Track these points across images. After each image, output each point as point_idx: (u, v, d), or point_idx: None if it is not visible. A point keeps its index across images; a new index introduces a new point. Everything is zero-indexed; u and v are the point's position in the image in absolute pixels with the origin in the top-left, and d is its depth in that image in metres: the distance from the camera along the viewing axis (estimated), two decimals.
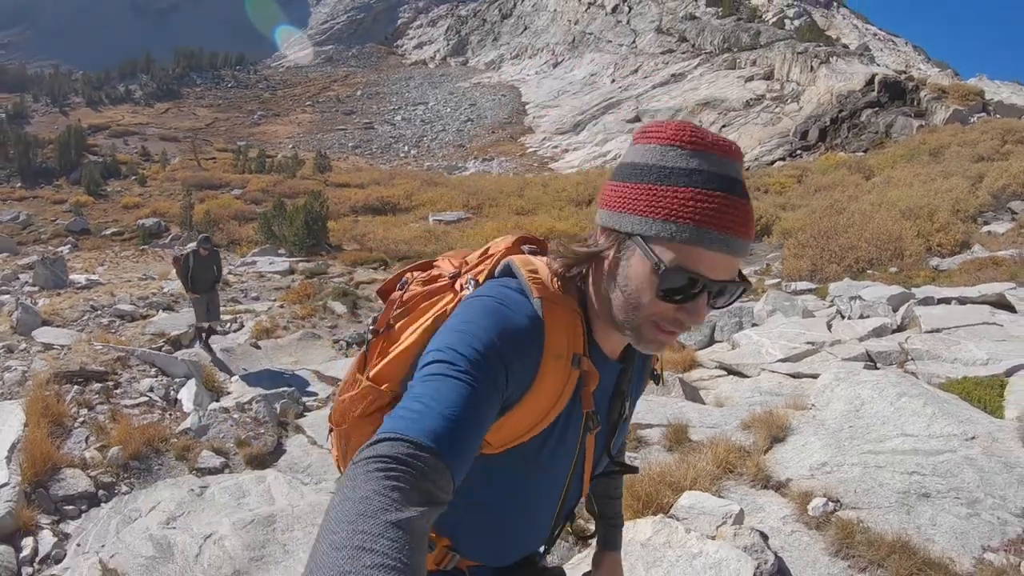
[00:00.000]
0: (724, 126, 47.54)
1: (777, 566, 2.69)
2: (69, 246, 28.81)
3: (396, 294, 1.21)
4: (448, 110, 79.72)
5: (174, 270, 9.84)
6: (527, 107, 74.56)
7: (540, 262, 1.06)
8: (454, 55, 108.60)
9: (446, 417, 0.80)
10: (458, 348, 0.88)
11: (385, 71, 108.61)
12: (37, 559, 3.58)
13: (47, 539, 3.73)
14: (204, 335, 9.42)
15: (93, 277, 16.73)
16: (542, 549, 1.28)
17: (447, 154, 64.68)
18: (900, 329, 7.62)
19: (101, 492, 4.36)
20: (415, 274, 1.23)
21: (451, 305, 1.08)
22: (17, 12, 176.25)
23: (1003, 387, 4.61)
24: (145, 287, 14.34)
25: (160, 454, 5.07)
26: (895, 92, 38.48)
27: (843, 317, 8.88)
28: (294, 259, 19.02)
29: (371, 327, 1.22)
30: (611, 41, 78.66)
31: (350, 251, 20.96)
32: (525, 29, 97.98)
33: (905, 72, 45.01)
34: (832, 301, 9.62)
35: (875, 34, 72.33)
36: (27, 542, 3.66)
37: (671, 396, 5.50)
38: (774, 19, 70.97)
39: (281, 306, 12.45)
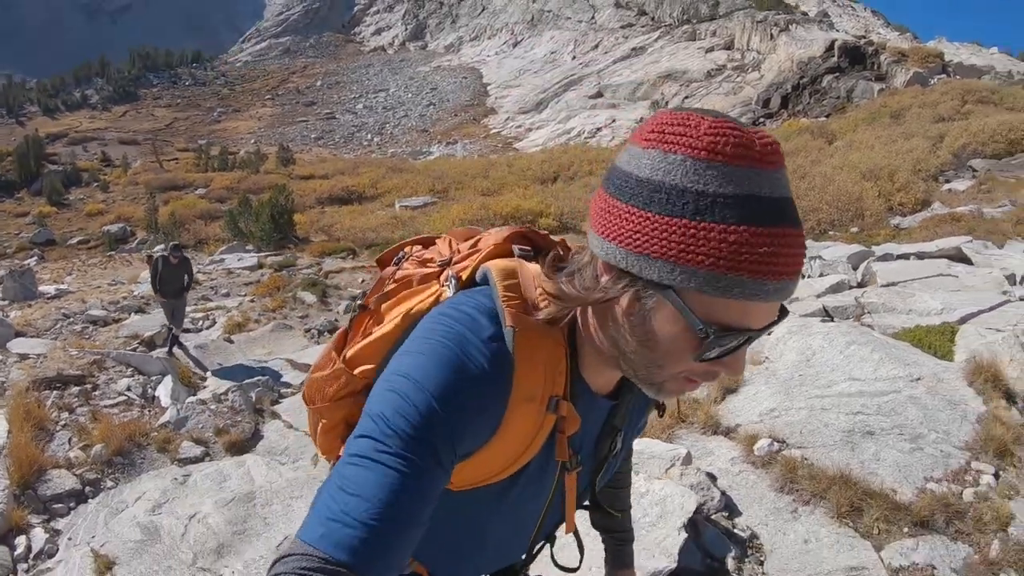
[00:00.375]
0: (686, 97, 47.99)
1: (724, 503, 2.88)
2: (36, 258, 28.44)
3: (390, 269, 1.12)
4: (409, 96, 79.35)
5: (149, 270, 9.79)
6: (488, 88, 74.45)
7: (527, 272, 0.90)
8: (413, 40, 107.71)
9: (368, 524, 0.71)
10: (393, 422, 0.77)
11: (344, 60, 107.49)
12: (31, 556, 3.70)
13: (39, 536, 3.85)
14: (170, 342, 9.42)
15: (62, 287, 16.56)
16: (524, 557, 1.18)
17: (411, 140, 64.52)
18: (860, 286, 7.83)
19: (88, 489, 4.48)
20: (413, 249, 1.14)
21: (430, 301, 0.96)
22: None
23: (954, 333, 4.80)
24: (115, 292, 14.27)
25: (142, 448, 5.19)
26: (855, 57, 39.16)
27: (803, 277, 9.20)
28: (262, 254, 19.00)
29: (359, 301, 1.12)
30: (570, 18, 78.70)
31: (318, 242, 20.96)
32: (483, 10, 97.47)
33: (865, 37, 45.76)
34: None
35: (834, 0, 73.15)
36: (20, 540, 3.79)
37: None
38: None
39: (252, 300, 12.52)
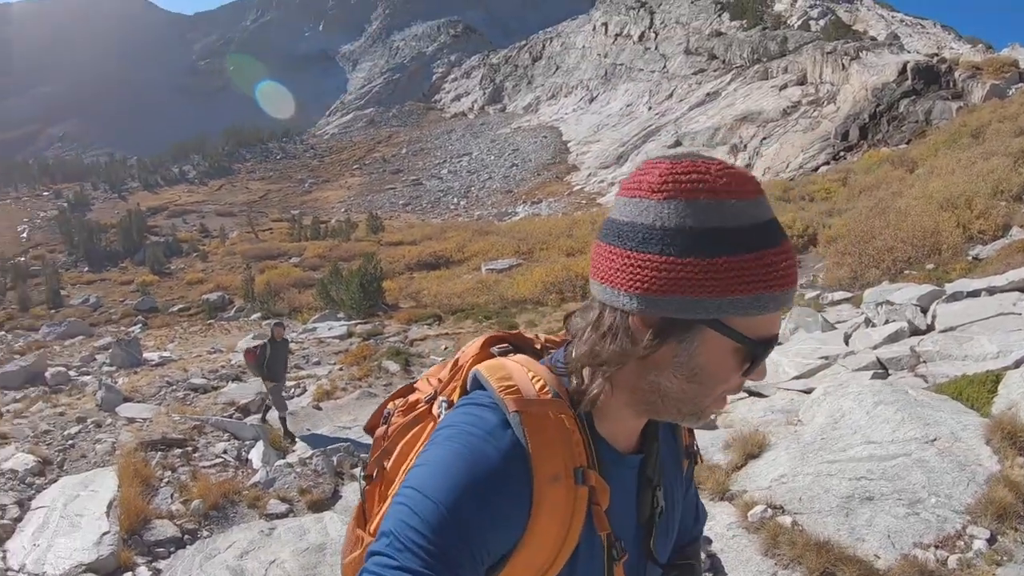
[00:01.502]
0: (764, 138, 47.48)
1: (710, 564, 3.13)
2: (139, 325, 30.48)
3: (380, 430, 1.10)
4: (492, 158, 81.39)
5: (247, 361, 9.92)
6: (569, 145, 75.71)
7: (514, 364, 0.92)
8: (491, 103, 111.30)
9: None
10: (403, 536, 0.76)
11: (427, 127, 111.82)
12: None
13: (143, 573, 4.59)
14: (263, 410, 10.00)
15: (165, 354, 18.05)
16: None
17: (496, 201, 65.97)
18: (929, 330, 7.54)
19: (186, 537, 5.22)
20: (396, 403, 1.11)
21: (428, 436, 0.94)
22: (71, 105, 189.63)
23: (997, 382, 4.68)
24: (214, 360, 15.49)
25: (235, 504, 5.91)
26: (929, 77, 37.86)
27: (870, 325, 9.04)
28: (352, 322, 19.69)
29: (362, 474, 1.10)
30: (642, 69, 79.67)
31: (406, 309, 21.54)
32: (557, 69, 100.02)
33: (937, 55, 44.27)
34: (863, 310, 9.76)
35: (902, 20, 71.16)
36: None
37: None
38: (799, 22, 71.02)
39: (340, 369, 13.25)
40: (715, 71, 69.29)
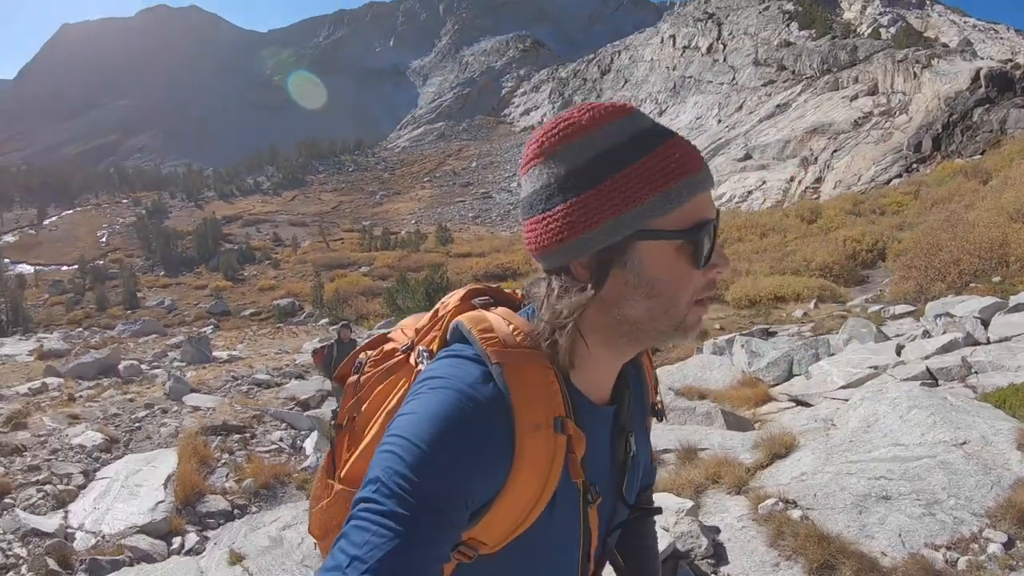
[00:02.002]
0: (835, 150, 46.11)
1: (713, 551, 3.20)
2: (211, 327, 31.79)
3: (352, 379, 1.10)
4: None
5: (314, 361, 10.34)
6: None
7: (495, 316, 0.94)
8: None
9: (381, 566, 0.71)
10: (390, 482, 0.77)
11: (496, 140, 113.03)
12: (183, 551, 4.80)
13: (192, 538, 5.00)
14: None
15: (234, 353, 18.92)
16: None
17: None
18: (990, 342, 7.34)
19: (236, 511, 5.61)
20: (368, 353, 1.11)
21: (407, 387, 0.97)
22: (150, 118, 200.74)
23: None
24: (279, 360, 16.16)
25: (284, 485, 6.31)
26: (1004, 84, 36.06)
27: (928, 337, 8.79)
28: None
29: (332, 421, 1.10)
30: (711, 81, 78.57)
31: None
32: (625, 82, 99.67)
33: (1011, 60, 42.15)
34: (922, 323, 9.51)
35: (974, 26, 67.96)
36: (177, 540, 4.96)
37: (713, 427, 5.94)
38: (869, 30, 68.84)
39: None
40: (784, 82, 67.76)
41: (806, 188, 43.38)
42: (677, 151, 0.83)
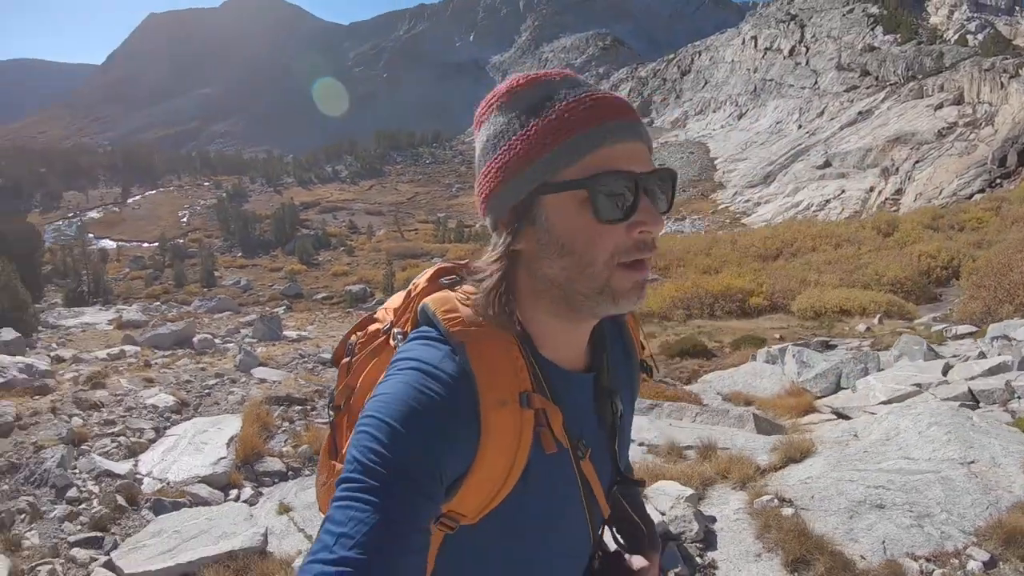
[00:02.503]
0: (917, 161, 44.23)
1: (702, 536, 3.44)
2: (284, 307, 33.10)
3: (345, 361, 1.13)
4: None
5: None
6: (716, 162, 73.80)
7: (457, 295, 0.96)
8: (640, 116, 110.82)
9: (351, 560, 0.73)
10: (364, 459, 0.80)
11: None
12: (239, 501, 5.31)
13: (247, 492, 5.50)
14: None
15: (303, 333, 19.78)
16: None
17: None
18: None
19: (290, 472, 6.08)
20: (358, 335, 1.14)
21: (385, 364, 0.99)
22: (233, 105, 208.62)
23: None
24: None
25: None
26: None
27: (982, 358, 8.61)
28: None
29: (329, 404, 1.13)
30: (792, 85, 76.12)
31: None
32: (705, 83, 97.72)
33: None
34: (979, 344, 9.31)
35: None
36: (233, 492, 5.50)
37: (743, 430, 6.09)
38: (955, 36, 65.38)
39: None
40: (867, 88, 65.16)
41: (885, 199, 41.81)
42: (588, 102, 0.84)
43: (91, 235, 67.24)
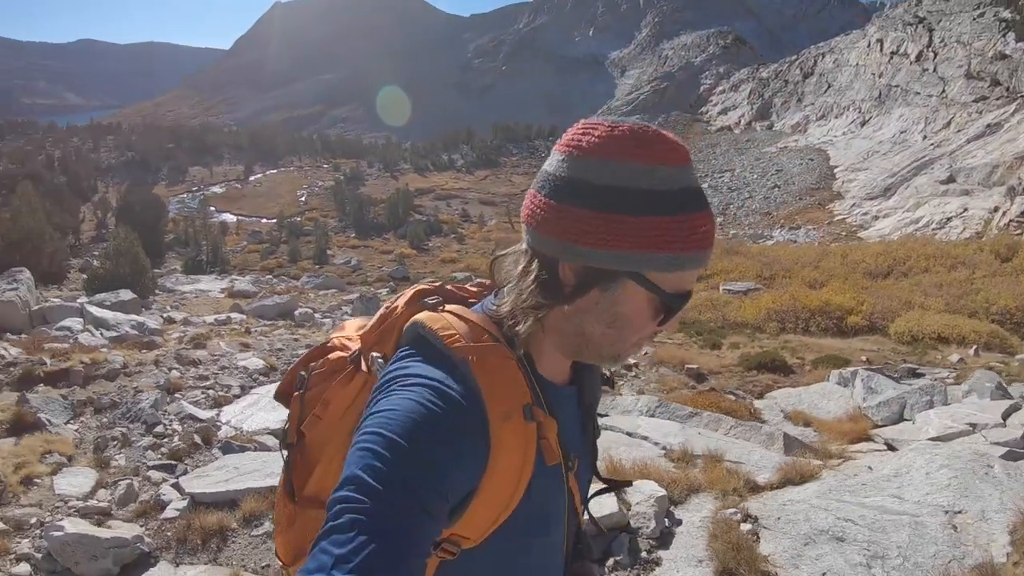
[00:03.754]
0: None
1: (659, 534, 3.68)
2: (388, 289, 33.69)
3: (296, 397, 1.10)
4: (755, 177, 77.73)
5: None
6: (835, 171, 70.15)
7: (450, 314, 0.96)
8: (759, 119, 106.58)
9: (364, 562, 0.70)
10: (368, 476, 0.75)
11: (691, 139, 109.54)
12: None
13: None
14: None
15: None
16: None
17: (753, 222, 63.17)
18: None
19: None
20: (311, 366, 1.11)
21: (363, 393, 0.98)
22: (352, 92, 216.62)
23: None
24: None
25: None
26: None
27: None
28: None
29: (282, 443, 1.10)
30: (919, 93, 70.75)
31: None
32: (828, 87, 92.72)
33: None
34: None
35: None
36: None
37: (771, 449, 6.16)
38: None
39: None
40: (998, 99, 59.63)
41: (1010, 221, 38.52)
42: (704, 225, 0.88)
43: (212, 208, 71.16)
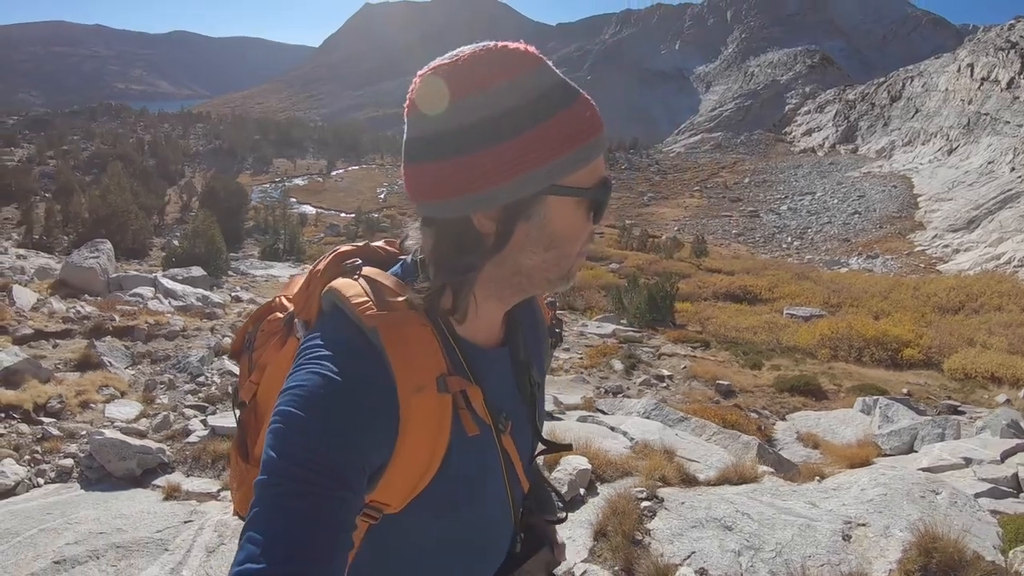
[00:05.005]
0: None
1: (569, 498, 4.15)
2: None
3: (245, 356, 1.09)
4: (836, 201, 75.53)
5: None
6: (919, 200, 67.40)
7: (366, 279, 0.92)
8: (843, 142, 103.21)
9: (278, 565, 0.69)
10: (280, 455, 0.75)
11: (773, 159, 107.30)
12: None
13: None
14: None
15: None
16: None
17: (830, 248, 61.39)
18: None
19: None
20: (256, 327, 1.10)
21: (292, 356, 0.92)
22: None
23: None
24: None
25: None
26: None
27: None
28: (622, 326, 19.99)
29: (234, 402, 1.10)
30: (1008, 122, 66.54)
31: (686, 330, 21.16)
32: (916, 112, 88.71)
33: None
34: None
35: None
36: None
37: (745, 457, 6.11)
38: None
39: (580, 357, 14.00)
40: None
41: None
42: (587, 110, 0.86)
43: (293, 199, 73.57)
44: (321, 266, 1.00)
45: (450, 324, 0.93)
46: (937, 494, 4.42)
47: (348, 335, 0.86)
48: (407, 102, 0.88)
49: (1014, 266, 41.98)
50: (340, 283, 0.92)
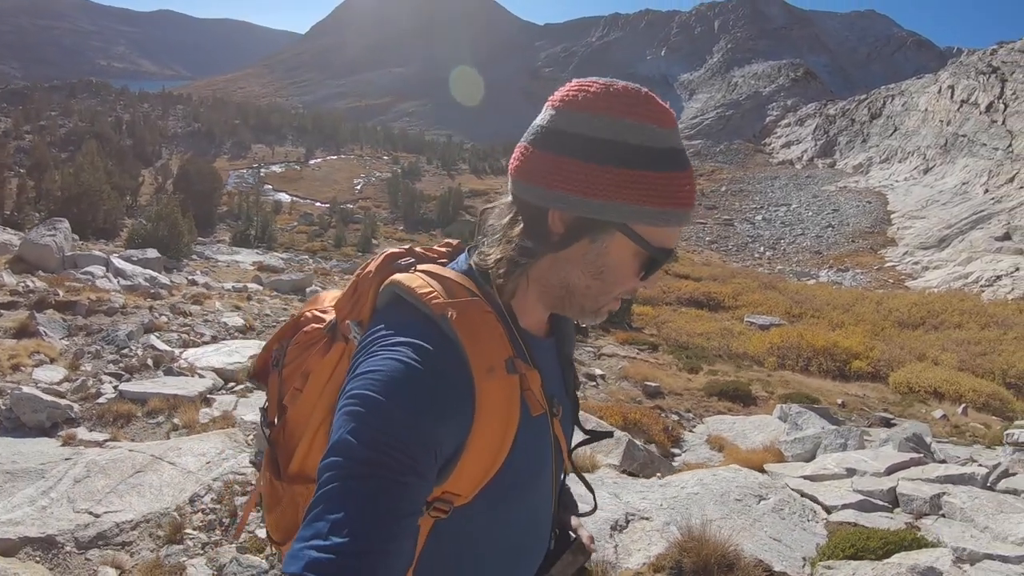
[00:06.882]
0: None
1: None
2: None
3: (274, 374, 1.10)
4: (810, 214, 76.21)
5: None
6: (892, 216, 68.39)
7: (425, 274, 0.95)
8: (821, 156, 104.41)
9: (346, 547, 0.70)
10: (357, 439, 0.76)
11: (751, 169, 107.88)
12: (221, 392, 6.89)
13: (240, 389, 6.97)
14: None
15: None
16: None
17: (802, 260, 61.92)
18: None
19: None
20: (283, 343, 1.12)
21: (342, 362, 0.98)
22: (421, 88, 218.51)
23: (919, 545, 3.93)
24: None
25: None
26: None
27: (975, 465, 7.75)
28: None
29: (263, 423, 1.10)
30: (985, 144, 68.01)
31: (638, 332, 21.21)
32: (895, 130, 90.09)
33: None
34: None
35: None
36: (231, 385, 7.11)
37: (609, 456, 6.41)
38: None
39: None
40: None
41: None
42: (688, 184, 0.92)
43: (269, 186, 72.93)
44: (372, 267, 1.04)
45: (512, 312, 0.98)
46: (763, 499, 4.63)
47: (419, 323, 0.89)
48: (558, 98, 0.95)
49: (981, 286, 43.02)
50: (401, 277, 0.96)
